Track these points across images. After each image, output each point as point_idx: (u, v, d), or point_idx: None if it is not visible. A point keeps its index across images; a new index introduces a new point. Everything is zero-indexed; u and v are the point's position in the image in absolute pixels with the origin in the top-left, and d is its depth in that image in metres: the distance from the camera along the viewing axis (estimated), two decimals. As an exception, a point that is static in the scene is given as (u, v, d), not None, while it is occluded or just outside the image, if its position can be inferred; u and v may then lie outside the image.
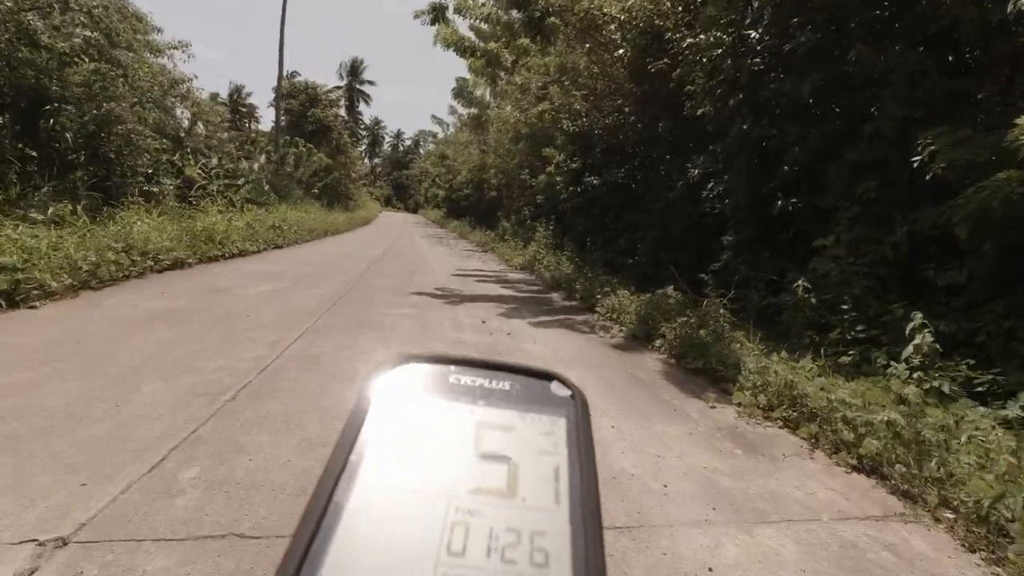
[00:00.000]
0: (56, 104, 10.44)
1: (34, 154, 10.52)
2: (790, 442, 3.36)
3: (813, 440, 3.30)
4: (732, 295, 6.26)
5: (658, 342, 5.51)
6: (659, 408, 3.85)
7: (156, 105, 15.86)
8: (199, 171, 18.13)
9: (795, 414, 3.50)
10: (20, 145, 10.28)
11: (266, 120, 46.76)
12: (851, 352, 4.59)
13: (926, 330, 3.66)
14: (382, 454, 0.28)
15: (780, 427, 3.55)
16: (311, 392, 3.72)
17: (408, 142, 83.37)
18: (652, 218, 10.86)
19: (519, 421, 0.31)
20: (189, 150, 17.71)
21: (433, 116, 29.27)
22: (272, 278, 9.03)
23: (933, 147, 4.26)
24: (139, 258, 8.42)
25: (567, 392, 0.32)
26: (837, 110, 6.45)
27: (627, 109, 12.49)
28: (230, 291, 7.46)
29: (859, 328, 4.75)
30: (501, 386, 0.32)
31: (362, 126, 73.24)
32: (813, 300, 5.10)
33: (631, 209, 12.15)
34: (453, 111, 22.73)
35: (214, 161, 21.48)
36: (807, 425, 3.36)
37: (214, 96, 63.33)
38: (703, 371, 4.69)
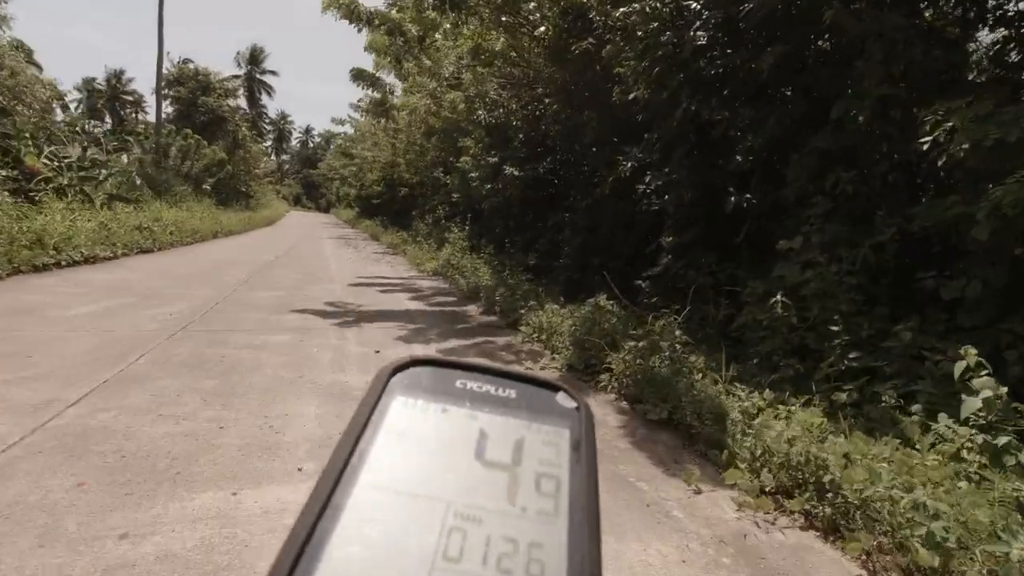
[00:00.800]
0: None
1: None
2: (832, 561, 2.18)
3: (870, 563, 2.13)
4: (684, 309, 5.15)
5: (603, 377, 4.26)
6: (625, 501, 2.56)
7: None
8: (45, 160, 15.21)
9: (826, 508, 2.33)
10: None
11: (154, 110, 41.79)
12: (847, 388, 3.56)
13: (983, 373, 2.63)
14: (384, 455, 0.28)
15: (805, 528, 2.37)
16: None
17: (318, 139, 78.98)
18: (578, 217, 9.74)
19: (523, 430, 0.30)
20: (28, 135, 14.71)
21: (333, 118, 26.96)
22: (114, 292, 7.01)
23: (951, 124, 3.29)
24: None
25: (573, 404, 0.32)
26: (794, 91, 5.52)
27: (548, 98, 11.35)
28: (37, 313, 5.49)
29: (852, 356, 3.73)
30: (507, 394, 0.32)
31: (266, 120, 68.27)
32: (794, 319, 4.05)
33: (554, 207, 11.01)
34: (357, 107, 20.71)
35: (75, 151, 18.31)
36: (856, 538, 2.16)
37: (89, 81, 56.65)
38: (669, 423, 3.50)
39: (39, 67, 39.91)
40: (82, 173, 15.56)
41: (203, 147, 28.37)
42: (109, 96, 58.81)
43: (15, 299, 6.23)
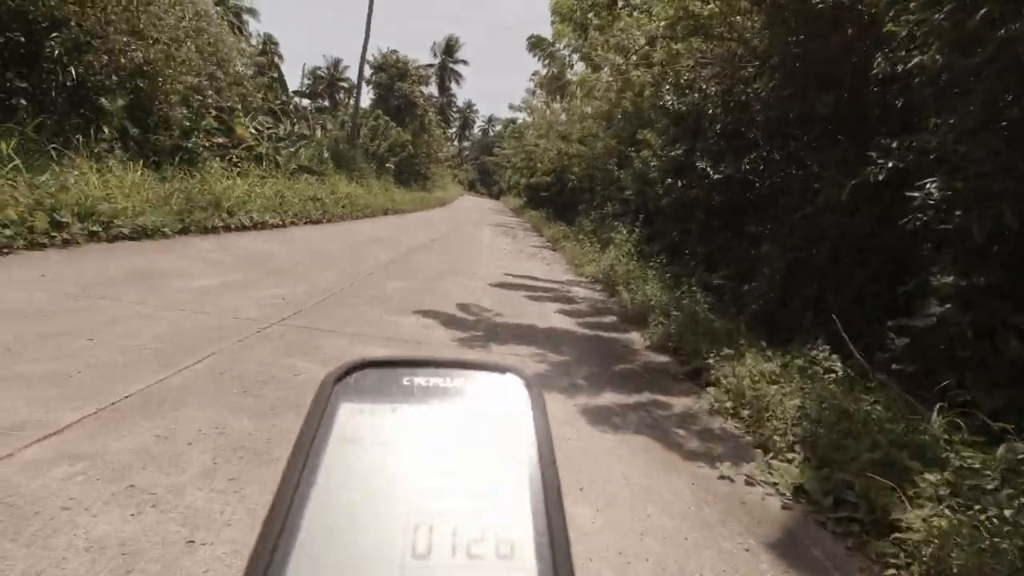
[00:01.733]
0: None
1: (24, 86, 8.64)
2: None
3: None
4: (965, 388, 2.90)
5: (887, 544, 2.27)
6: None
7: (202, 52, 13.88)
8: (252, 130, 16.35)
9: None
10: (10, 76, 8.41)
11: (365, 100, 45.90)
12: None
13: None
14: (339, 462, 0.27)
15: None
16: None
17: (499, 127, 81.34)
18: (786, 232, 7.39)
19: (476, 417, 0.30)
20: (239, 107, 15.84)
21: (511, 104, 26.28)
22: (248, 264, 6.51)
23: None
24: (72, 220, 6.14)
25: (521, 383, 0.32)
26: None
27: (760, 77, 8.99)
28: (154, 281, 4.97)
29: None
30: (456, 384, 0.31)
31: (454, 108, 71.74)
32: None
33: (753, 216, 8.72)
34: (531, 82, 19.73)
35: (284, 126, 19.79)
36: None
37: (313, 69, 63.74)
38: None
39: (280, 57, 45.42)
40: (278, 144, 16.53)
41: (390, 128, 29.76)
42: (328, 82, 66.06)
43: (149, 261, 5.89)
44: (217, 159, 13.45)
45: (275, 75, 23.78)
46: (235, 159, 14.21)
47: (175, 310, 4.22)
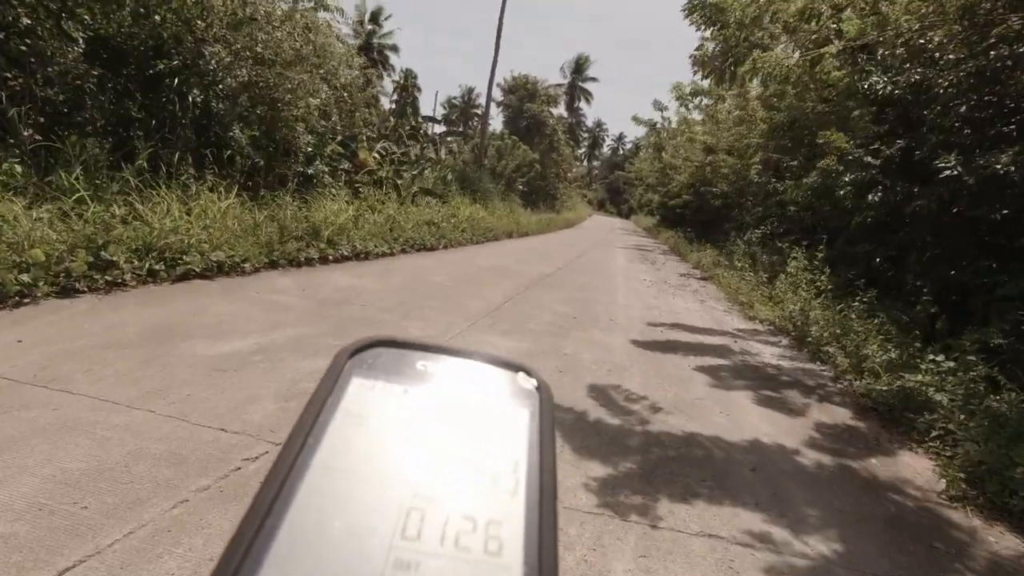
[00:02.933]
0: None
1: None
2: None
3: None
4: None
5: None
6: None
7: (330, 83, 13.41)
8: (375, 155, 15.74)
9: None
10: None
11: (496, 122, 46.09)
12: None
13: None
14: (342, 436, 0.27)
15: None
16: None
17: (629, 145, 78.39)
18: None
19: (482, 410, 0.30)
20: (363, 133, 15.25)
21: (634, 117, 23.61)
22: (323, 309, 4.99)
23: None
24: (123, 258, 5.03)
25: (533, 384, 0.31)
26: None
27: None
28: (177, 342, 3.53)
29: None
30: (467, 374, 0.31)
31: (583, 128, 70.20)
32: None
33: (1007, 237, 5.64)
34: (682, 96, 17.11)
35: (413, 149, 19.27)
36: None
37: (450, 99, 65.84)
38: None
39: (419, 89, 47.18)
40: (400, 167, 15.73)
41: (517, 147, 28.64)
42: (462, 110, 68.03)
43: (194, 309, 4.53)
44: (341, 184, 12.81)
45: (409, 101, 23.64)
46: (357, 184, 13.51)
47: (140, 410, 2.62)
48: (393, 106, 28.60)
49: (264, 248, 6.94)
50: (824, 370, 5.09)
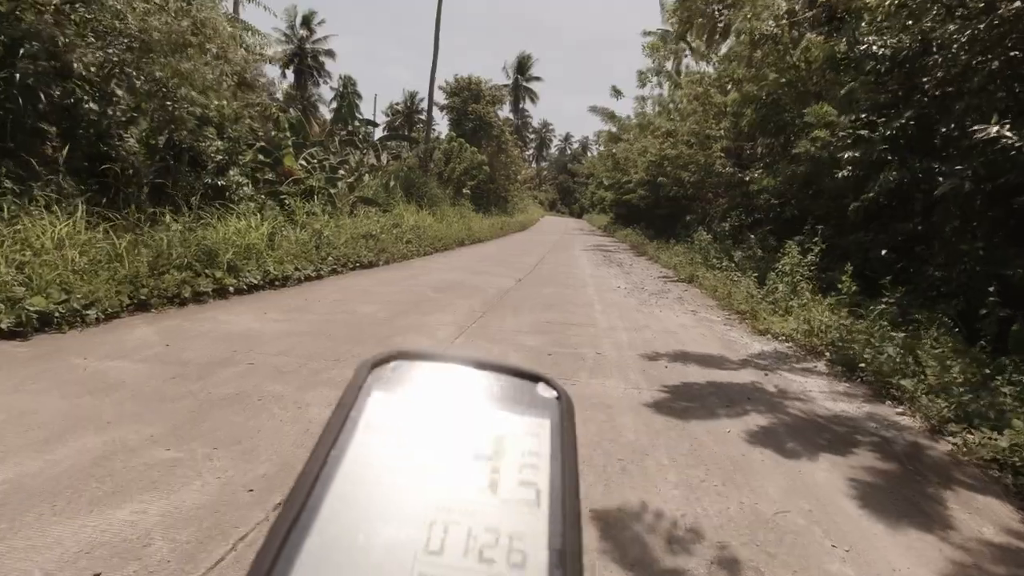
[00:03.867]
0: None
1: None
2: None
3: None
4: None
5: None
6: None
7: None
8: (302, 162, 13.81)
9: None
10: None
11: (442, 126, 44.12)
12: None
13: None
14: (364, 449, 0.27)
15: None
16: None
17: (576, 145, 77.96)
18: None
19: (504, 421, 0.29)
20: (287, 137, 13.32)
21: (590, 106, 22.31)
22: (179, 385, 3.24)
23: None
24: None
25: (553, 394, 0.31)
26: None
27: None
28: None
29: None
30: (488, 385, 0.30)
31: (530, 129, 69.18)
32: None
33: None
34: (644, 77, 16.01)
35: (353, 157, 17.34)
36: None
37: (392, 105, 63.49)
38: None
39: (359, 96, 44.76)
40: (333, 176, 13.84)
41: (465, 149, 27.00)
42: (405, 115, 65.76)
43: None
44: (263, 197, 10.90)
45: (345, 106, 21.61)
46: (282, 196, 11.60)
47: None
48: (332, 115, 26.49)
49: (127, 285, 5.07)
50: (903, 415, 3.70)
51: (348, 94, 32.31)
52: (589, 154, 67.16)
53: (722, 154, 15.67)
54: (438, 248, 13.83)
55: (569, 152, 78.33)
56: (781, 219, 12.37)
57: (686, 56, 18.37)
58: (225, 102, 10.62)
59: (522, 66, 53.99)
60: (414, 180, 20.16)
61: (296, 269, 7.62)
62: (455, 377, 0.30)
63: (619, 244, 22.34)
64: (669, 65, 19.21)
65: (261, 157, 12.91)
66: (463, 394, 0.30)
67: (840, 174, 7.60)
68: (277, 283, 7.05)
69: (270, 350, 4.18)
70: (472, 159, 27.36)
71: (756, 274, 8.56)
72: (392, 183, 17.48)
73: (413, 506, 0.25)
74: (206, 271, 6.10)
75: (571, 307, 6.98)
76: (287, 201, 11.34)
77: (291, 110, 17.21)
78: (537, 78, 55.34)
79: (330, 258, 8.78)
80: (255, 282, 6.70)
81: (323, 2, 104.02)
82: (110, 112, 7.86)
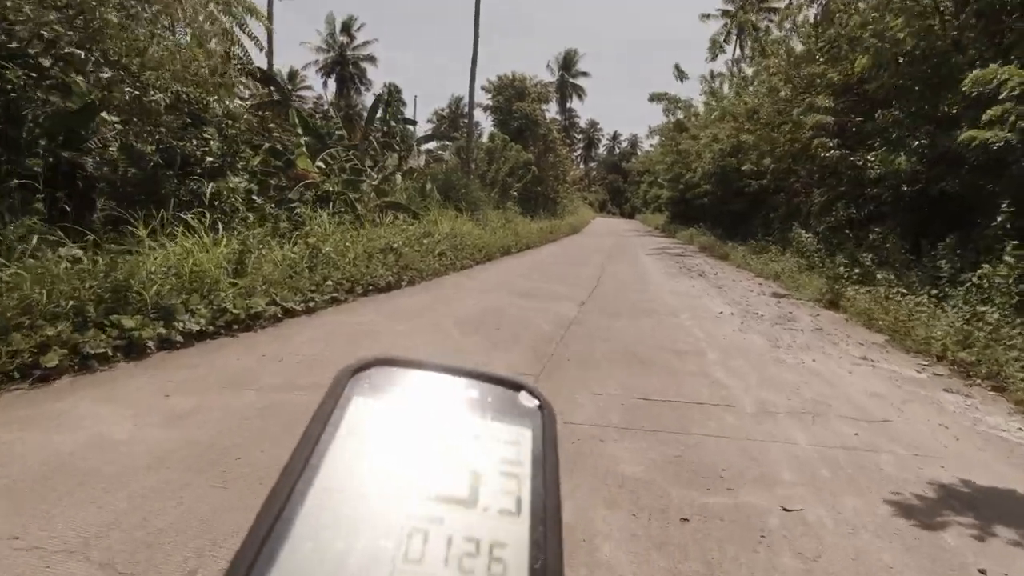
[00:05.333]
0: None
1: None
2: None
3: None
4: None
5: None
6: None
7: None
8: (320, 164, 11.80)
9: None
10: None
11: (486, 127, 42.15)
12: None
13: None
14: (344, 456, 0.26)
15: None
16: None
17: (625, 144, 74.40)
18: None
19: (484, 430, 0.28)
20: (300, 140, 11.33)
21: (652, 94, 19.09)
22: None
23: None
24: None
25: (535, 403, 0.30)
26: None
27: None
28: None
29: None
30: (469, 393, 0.30)
31: (577, 129, 66.28)
32: None
33: None
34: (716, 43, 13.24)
35: (391, 160, 15.32)
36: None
37: (439, 111, 62.11)
38: None
39: (404, 103, 43.39)
40: (355, 178, 11.71)
41: (509, 147, 24.66)
42: (450, 120, 64.26)
43: None
44: (272, 205, 8.96)
45: (390, 113, 19.63)
46: (292, 204, 9.58)
47: None
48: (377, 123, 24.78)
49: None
50: None
51: (394, 101, 30.17)
52: (639, 151, 63.55)
53: (821, 132, 12.52)
54: (479, 259, 11.47)
55: (618, 151, 74.88)
56: (917, 208, 9.30)
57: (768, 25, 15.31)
58: (217, 99, 8.61)
59: (568, 62, 51.23)
60: (454, 182, 17.92)
61: (273, 302, 5.39)
62: (437, 384, 0.30)
63: (686, 247, 19.36)
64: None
65: (274, 161, 10.95)
66: (445, 402, 0.29)
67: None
68: (237, 326, 4.82)
69: (82, 523, 1.85)
70: (518, 158, 24.96)
71: (935, 291, 5.71)
72: (429, 186, 15.26)
73: (392, 514, 0.24)
74: (108, 320, 3.92)
75: (671, 357, 4.40)
76: (298, 209, 9.28)
77: (329, 111, 15.23)
78: (584, 73, 52.48)
79: (329, 282, 6.54)
80: (201, 328, 4.49)
81: (367, 13, 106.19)
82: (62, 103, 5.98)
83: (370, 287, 7.26)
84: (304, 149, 11.23)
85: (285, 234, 7.61)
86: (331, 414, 0.27)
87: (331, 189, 10.74)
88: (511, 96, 36.04)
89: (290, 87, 46.18)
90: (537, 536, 0.24)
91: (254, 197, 9.34)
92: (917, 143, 8.57)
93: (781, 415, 3.18)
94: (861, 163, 10.33)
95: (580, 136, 69.27)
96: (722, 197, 21.21)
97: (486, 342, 4.67)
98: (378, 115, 16.94)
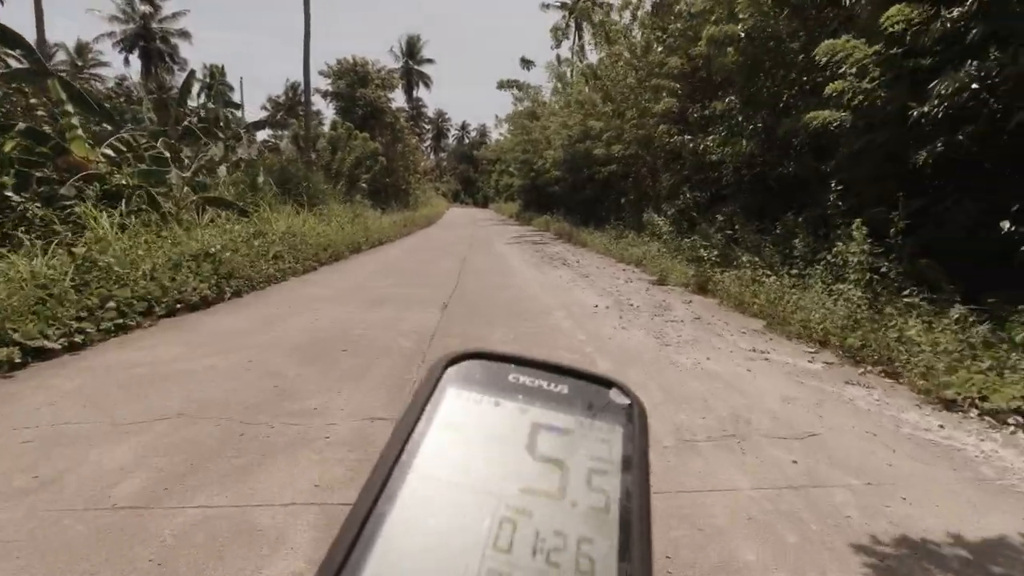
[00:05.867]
0: None
1: None
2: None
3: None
4: None
5: None
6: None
7: None
8: (107, 152, 9.43)
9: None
10: None
11: (328, 115, 38.64)
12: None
13: None
14: (436, 447, 0.27)
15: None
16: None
17: (474, 133, 74.37)
18: None
19: (575, 426, 0.28)
20: (71, 112, 8.86)
21: (500, 81, 18.71)
22: None
23: None
24: None
25: (626, 401, 0.30)
26: None
27: None
28: None
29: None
30: (560, 389, 0.30)
31: (425, 119, 64.61)
32: None
33: None
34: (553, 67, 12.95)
35: (216, 149, 12.74)
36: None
37: (274, 98, 56.26)
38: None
39: (231, 88, 38.20)
40: (154, 167, 9.45)
41: (354, 136, 22.74)
42: (287, 107, 58.68)
43: None
44: (36, 206, 6.81)
45: (213, 96, 16.56)
46: (65, 203, 7.43)
47: None
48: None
49: None
50: None
51: (216, 84, 26.40)
52: (488, 140, 63.84)
53: (663, 120, 12.91)
54: (324, 260, 9.99)
55: (467, 141, 74.71)
56: (758, 191, 9.85)
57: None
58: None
59: (412, 48, 49.34)
60: (293, 174, 15.83)
61: (3, 342, 3.70)
62: (528, 379, 0.30)
63: (543, 234, 19.36)
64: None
65: (37, 146, 8.47)
66: (536, 396, 0.29)
67: (922, 114, 4.89)
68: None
69: None
70: (364, 147, 23.14)
71: (795, 271, 5.76)
72: (262, 179, 13.17)
73: (484, 503, 0.24)
74: None
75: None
76: (77, 209, 7.17)
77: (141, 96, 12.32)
78: (430, 60, 51.01)
79: (111, 304, 4.86)
80: None
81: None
82: None
83: (177, 304, 5.64)
84: (79, 131, 8.77)
85: (54, 240, 5.66)
86: (426, 403, 0.28)
87: (125, 183, 8.54)
88: (353, 82, 33.52)
89: (80, 63, 38.33)
90: (625, 534, 0.24)
91: (8, 193, 7.14)
92: (752, 127, 8.94)
93: (703, 444, 2.60)
94: (702, 148, 10.65)
95: (429, 126, 67.76)
96: (573, 183, 21.54)
97: (325, 378, 3.56)
98: (196, 95, 14.28)
